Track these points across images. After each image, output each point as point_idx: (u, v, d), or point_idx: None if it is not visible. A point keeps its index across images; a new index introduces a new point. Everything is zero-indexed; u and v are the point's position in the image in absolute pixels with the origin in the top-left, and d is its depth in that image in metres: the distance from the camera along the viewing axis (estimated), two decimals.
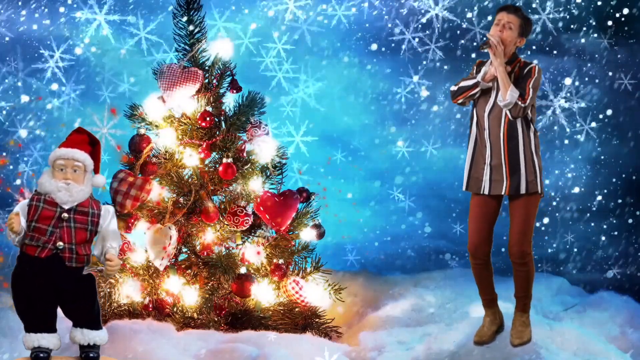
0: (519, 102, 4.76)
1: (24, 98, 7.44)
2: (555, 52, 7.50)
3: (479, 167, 4.94)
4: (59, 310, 4.07)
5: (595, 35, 7.48)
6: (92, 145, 4.12)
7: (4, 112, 7.46)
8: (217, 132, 5.63)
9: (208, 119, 5.56)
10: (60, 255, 3.93)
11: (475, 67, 5.08)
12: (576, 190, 7.58)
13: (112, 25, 7.40)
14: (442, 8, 7.32)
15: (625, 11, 7.36)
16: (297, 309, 5.62)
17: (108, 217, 4.06)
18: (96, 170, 4.12)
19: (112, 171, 5.52)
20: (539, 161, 4.91)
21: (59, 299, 3.98)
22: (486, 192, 4.91)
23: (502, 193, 4.88)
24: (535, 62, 4.96)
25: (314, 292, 5.60)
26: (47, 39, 7.42)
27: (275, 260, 5.60)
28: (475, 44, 7.41)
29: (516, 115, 4.80)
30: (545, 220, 7.55)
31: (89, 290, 4.03)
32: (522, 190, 4.85)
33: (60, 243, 3.93)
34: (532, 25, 5.05)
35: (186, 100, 5.60)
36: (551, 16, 7.23)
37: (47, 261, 3.93)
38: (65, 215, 3.95)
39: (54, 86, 7.46)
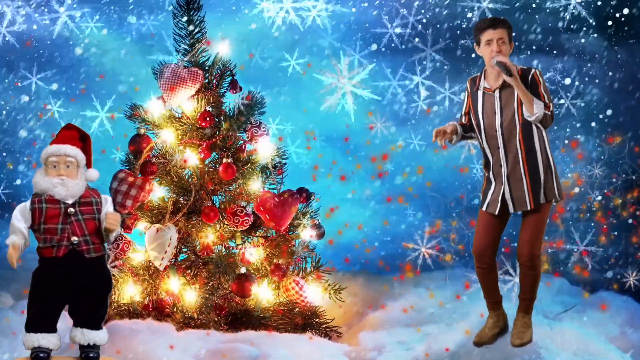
0: (547, 112, 4.72)
1: (24, 98, 7.45)
2: (555, 52, 7.49)
3: (496, 189, 4.89)
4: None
5: (595, 35, 7.47)
6: (82, 140, 4.13)
7: (4, 112, 7.46)
8: (217, 132, 5.63)
9: (208, 119, 5.56)
10: (77, 249, 3.94)
11: (468, 86, 5.02)
12: (576, 190, 7.57)
13: (111, 26, 7.40)
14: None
15: (625, 11, 7.35)
16: (297, 309, 5.61)
17: (107, 205, 4.11)
18: (88, 165, 4.14)
19: None
20: (554, 164, 4.87)
21: (73, 294, 3.97)
22: (511, 210, 4.85)
23: (527, 209, 4.81)
24: (534, 63, 4.92)
25: (314, 292, 5.60)
26: (47, 38, 7.42)
27: (275, 260, 5.60)
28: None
29: (547, 125, 4.77)
30: None
31: (105, 287, 4.03)
32: (542, 200, 4.81)
33: (75, 238, 3.94)
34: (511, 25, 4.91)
35: (186, 100, 5.60)
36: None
37: (66, 258, 3.93)
38: (72, 209, 3.96)
39: (54, 86, 7.46)
